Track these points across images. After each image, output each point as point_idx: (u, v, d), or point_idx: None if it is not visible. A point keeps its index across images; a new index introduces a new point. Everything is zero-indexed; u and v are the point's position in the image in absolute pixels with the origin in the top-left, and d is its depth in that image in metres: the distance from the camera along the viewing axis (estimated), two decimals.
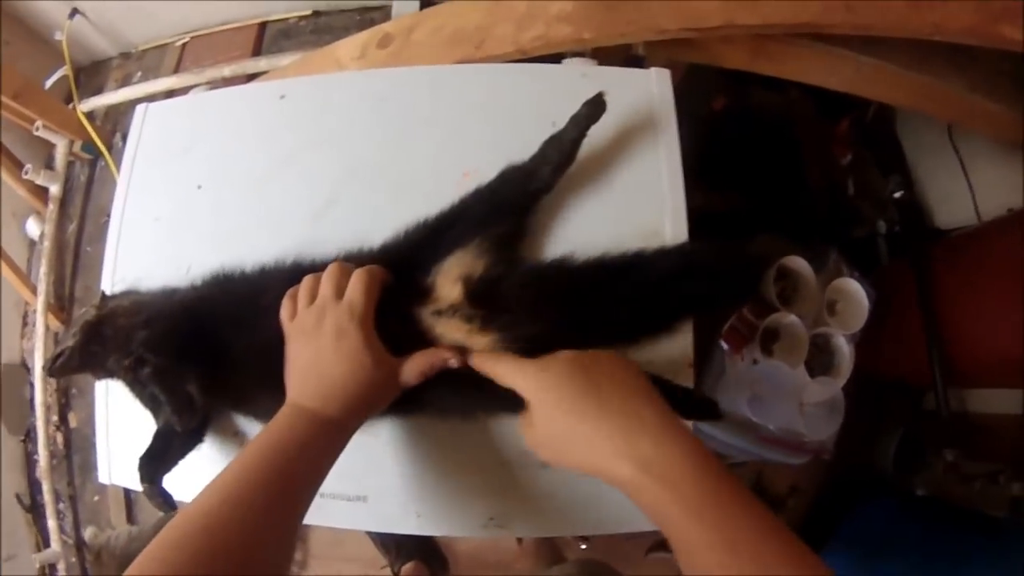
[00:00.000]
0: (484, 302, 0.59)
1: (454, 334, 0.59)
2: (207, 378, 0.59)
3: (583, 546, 1.21)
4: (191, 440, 0.65)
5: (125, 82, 1.60)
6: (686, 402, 0.51)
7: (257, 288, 0.63)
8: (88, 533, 1.55)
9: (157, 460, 0.62)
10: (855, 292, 1.04)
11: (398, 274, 0.60)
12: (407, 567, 1.27)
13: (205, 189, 0.74)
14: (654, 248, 0.63)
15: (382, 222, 0.64)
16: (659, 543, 1.13)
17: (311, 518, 0.54)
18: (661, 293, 0.61)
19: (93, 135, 1.55)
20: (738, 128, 1.20)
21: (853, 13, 0.76)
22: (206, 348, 0.59)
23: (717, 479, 0.42)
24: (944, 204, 1.34)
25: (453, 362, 0.56)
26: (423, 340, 0.59)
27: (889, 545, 1.23)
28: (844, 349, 1.02)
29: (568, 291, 0.61)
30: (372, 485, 0.66)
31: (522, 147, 0.62)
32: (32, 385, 1.62)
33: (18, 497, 1.62)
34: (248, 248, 0.66)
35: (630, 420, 0.45)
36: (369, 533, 1.33)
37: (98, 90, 1.64)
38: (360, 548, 1.39)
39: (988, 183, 1.27)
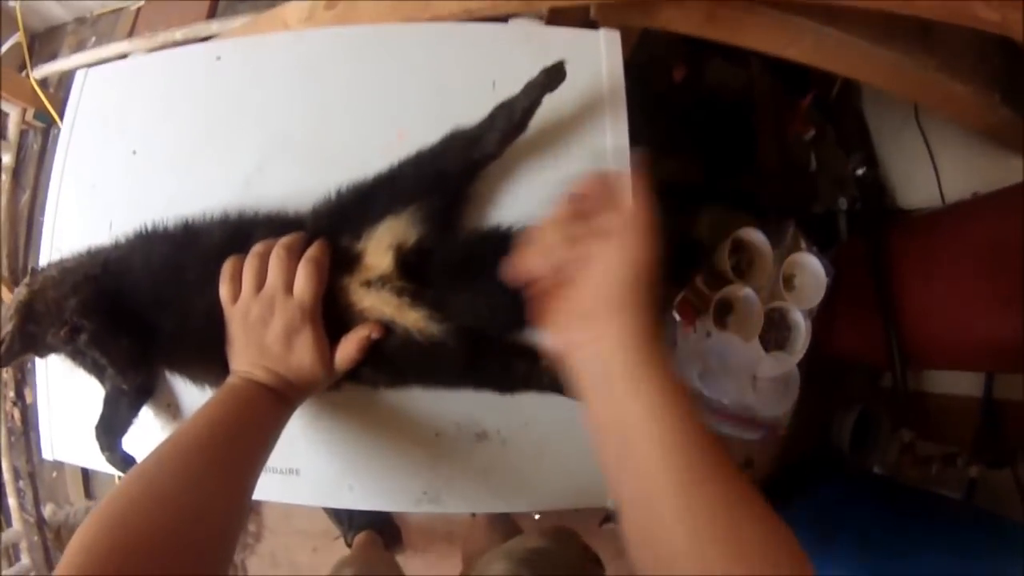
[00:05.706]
0: (415, 275, 0.57)
1: (383, 308, 0.57)
2: (141, 337, 0.58)
3: (536, 516, 1.21)
4: (140, 398, 0.64)
5: (79, 48, 1.55)
6: None
7: (183, 252, 0.61)
8: (47, 510, 1.54)
9: (111, 426, 0.62)
10: (812, 267, 1.03)
11: (328, 240, 0.58)
12: (359, 537, 1.27)
13: (140, 154, 0.71)
14: None
15: (314, 185, 0.62)
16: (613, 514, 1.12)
17: None
18: None
19: (46, 103, 1.50)
20: (695, 100, 1.18)
21: None
22: (137, 308, 0.58)
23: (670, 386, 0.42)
24: (907, 184, 1.33)
25: (375, 335, 0.56)
26: (350, 314, 0.57)
27: (844, 524, 1.23)
28: (800, 324, 1.02)
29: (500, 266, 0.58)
30: (304, 458, 0.65)
31: (460, 107, 0.60)
32: None
33: None
34: (179, 215, 0.64)
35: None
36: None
37: (52, 56, 1.58)
38: (314, 520, 1.39)
39: (954, 166, 1.26)
